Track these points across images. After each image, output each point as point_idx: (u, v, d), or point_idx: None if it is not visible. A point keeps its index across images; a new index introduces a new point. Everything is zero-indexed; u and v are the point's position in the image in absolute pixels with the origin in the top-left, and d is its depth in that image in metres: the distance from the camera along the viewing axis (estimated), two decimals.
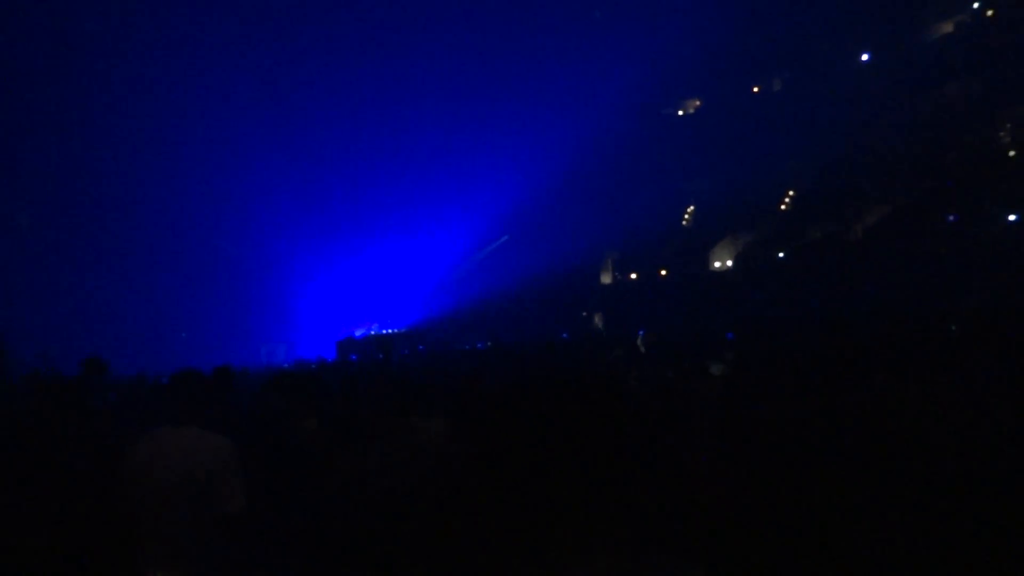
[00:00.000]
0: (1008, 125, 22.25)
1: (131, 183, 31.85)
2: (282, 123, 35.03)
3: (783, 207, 26.86)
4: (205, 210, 32.37)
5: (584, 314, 25.97)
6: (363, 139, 35.34)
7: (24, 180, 29.48)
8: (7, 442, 3.63)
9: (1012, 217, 19.68)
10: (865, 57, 29.82)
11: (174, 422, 3.00)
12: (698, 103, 34.93)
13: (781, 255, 23.74)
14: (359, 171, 35.37)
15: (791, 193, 26.88)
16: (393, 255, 35.67)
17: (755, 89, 32.15)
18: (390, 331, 27.08)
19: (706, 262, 26.90)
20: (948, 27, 28.56)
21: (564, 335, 21.00)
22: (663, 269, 27.18)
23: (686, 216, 30.35)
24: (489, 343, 18.84)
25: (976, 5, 27.75)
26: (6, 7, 28.70)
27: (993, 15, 26.50)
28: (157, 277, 31.19)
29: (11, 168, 28.83)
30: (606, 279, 29.20)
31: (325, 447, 3.56)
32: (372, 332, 28.90)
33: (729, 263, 26.55)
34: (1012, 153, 21.12)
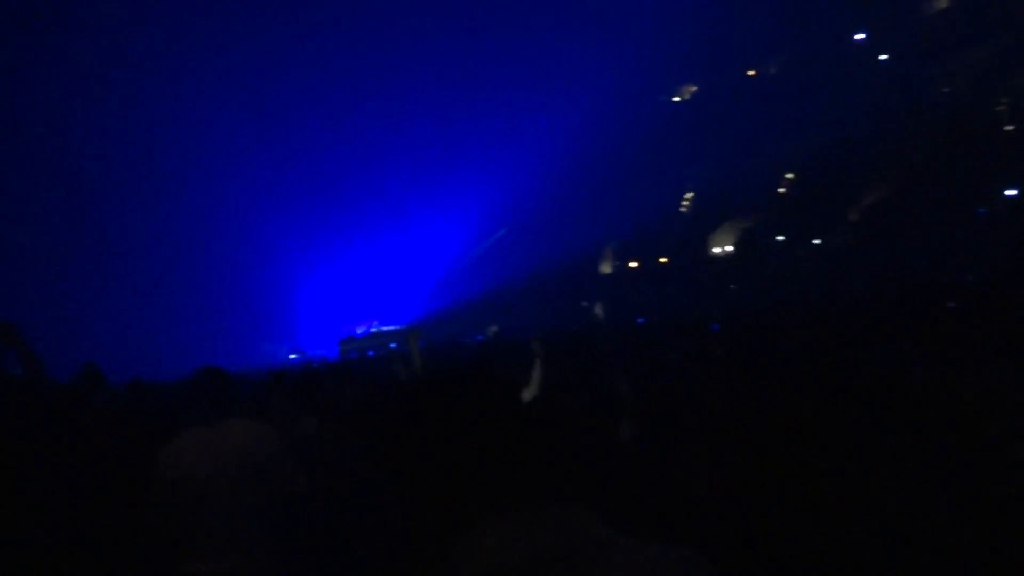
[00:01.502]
0: (1005, 101, 22.17)
1: (126, 179, 31.75)
2: (280, 119, 34.92)
3: (781, 191, 26.81)
4: (201, 208, 32.30)
5: (584, 304, 25.96)
6: (361, 133, 35.21)
7: (12, 178, 29.35)
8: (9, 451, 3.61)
9: (1011, 192, 19.64)
10: (861, 37, 29.65)
11: (199, 420, 3.05)
12: (694, 89, 34.80)
13: (781, 238, 23.72)
14: (357, 167, 35.27)
15: (789, 176, 26.81)
16: (391, 252, 35.61)
17: (750, 73, 32.02)
18: (391, 328, 27.05)
19: (705, 248, 26.87)
20: (943, 3, 28.38)
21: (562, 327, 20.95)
22: (663, 257, 27.16)
23: (684, 202, 30.28)
24: (488, 337, 18.83)
25: None
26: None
27: None
28: (153, 277, 31.12)
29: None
30: (606, 269, 29.17)
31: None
32: (373, 329, 28.87)
33: (729, 248, 26.51)
34: (1010, 128, 21.05)
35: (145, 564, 3.03)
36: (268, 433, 2.94)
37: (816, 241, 23.79)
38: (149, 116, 32.11)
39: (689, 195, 30.73)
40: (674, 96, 35.27)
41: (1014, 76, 22.29)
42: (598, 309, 24.91)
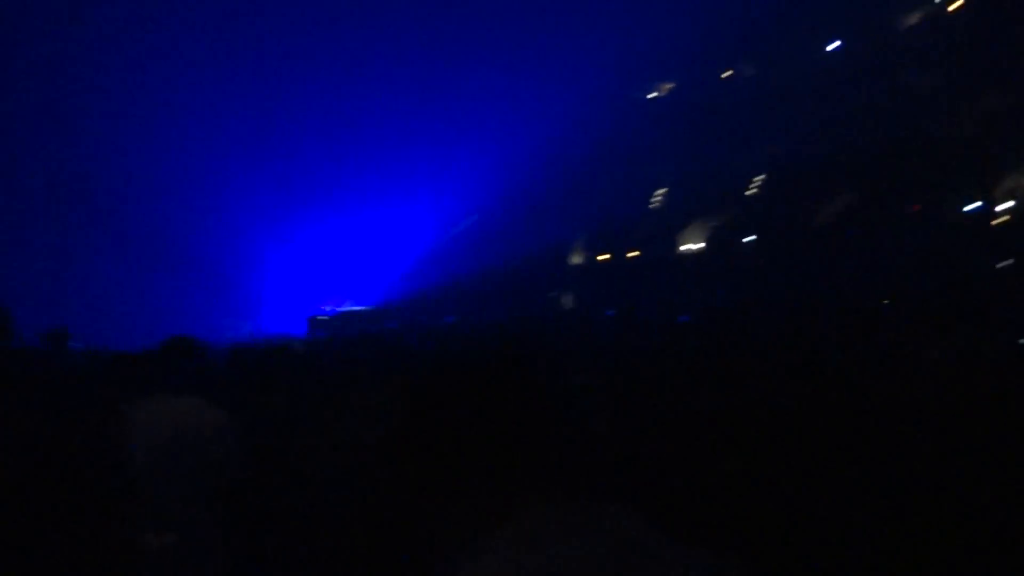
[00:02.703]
0: (974, 115, 22.70)
1: (99, 151, 31.12)
2: (255, 91, 34.38)
3: (752, 191, 27.18)
4: (171, 179, 31.77)
5: (553, 294, 26.12)
6: (338, 110, 34.82)
7: None
8: None
9: (973, 206, 20.16)
10: (836, 44, 30.10)
11: (158, 391, 3.03)
12: (670, 86, 34.99)
13: (750, 239, 24.07)
14: (331, 145, 34.90)
15: (760, 177, 27.18)
16: (362, 232, 35.36)
17: (726, 74, 32.31)
18: (362, 308, 26.92)
19: (675, 244, 27.16)
20: (915, 19, 28.91)
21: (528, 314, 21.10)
22: (632, 251, 27.39)
23: (656, 198, 30.54)
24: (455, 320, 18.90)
25: None
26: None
27: (958, 7, 26.88)
28: (112, 250, 30.56)
29: None
30: (576, 260, 29.34)
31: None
32: (344, 309, 28.71)
33: (698, 246, 26.84)
34: (978, 142, 21.56)
35: (92, 532, 3.03)
36: (203, 411, 2.91)
37: (785, 242, 24.20)
38: (119, 90, 31.38)
39: (661, 191, 30.99)
40: (650, 93, 35.42)
41: (986, 90, 22.82)
42: (567, 299, 25.09)
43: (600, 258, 28.30)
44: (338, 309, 29.02)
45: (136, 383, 3.05)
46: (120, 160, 31.59)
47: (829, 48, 29.85)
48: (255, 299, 34.54)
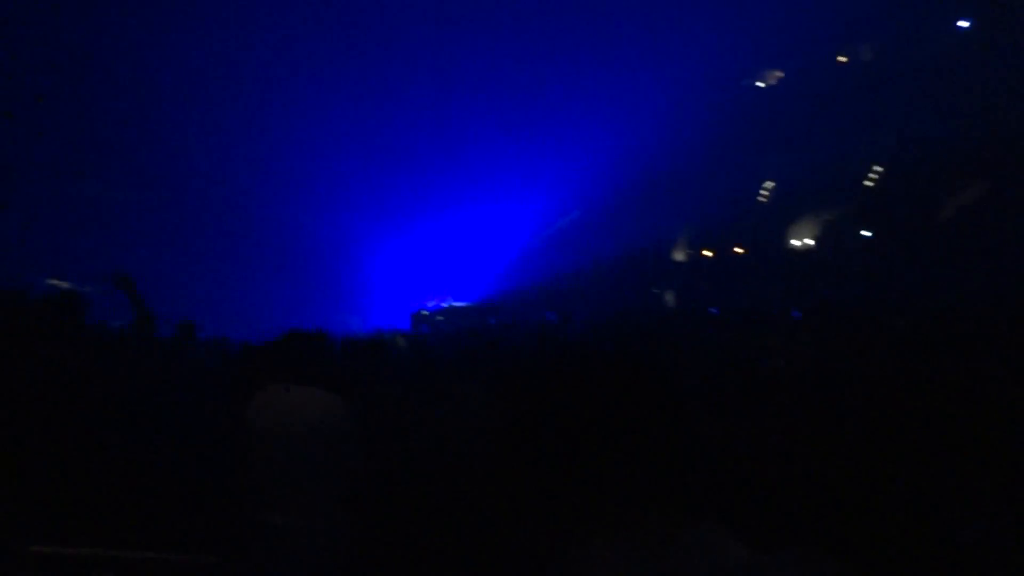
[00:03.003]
0: None
1: (217, 150, 32.96)
2: (364, 96, 35.49)
3: (869, 183, 25.80)
4: (279, 178, 33.25)
5: (656, 291, 25.72)
6: (441, 111, 35.49)
7: (108, 156, 30.91)
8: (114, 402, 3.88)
9: None
10: (965, 24, 28.11)
11: (283, 381, 3.17)
12: (779, 74, 33.68)
13: (867, 234, 22.88)
14: (434, 144, 35.60)
15: (878, 169, 25.77)
16: (465, 229, 35.93)
17: (842, 59, 30.78)
18: (464, 304, 27.37)
19: (784, 240, 26.17)
20: None
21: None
22: (739, 247, 26.59)
23: (764, 191, 29.51)
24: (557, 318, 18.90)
25: None
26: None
27: None
28: (232, 244, 32.30)
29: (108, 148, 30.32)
30: (680, 256, 28.75)
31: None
32: (446, 305, 29.27)
33: (809, 241, 25.76)
34: None
35: (224, 511, 3.23)
36: (342, 402, 3.04)
37: (900, 240, 22.88)
38: (224, 86, 33.09)
39: (769, 185, 29.93)
40: (758, 81, 34.22)
41: None
42: (670, 296, 24.64)
43: (705, 253, 27.62)
44: (441, 305, 29.61)
45: (263, 372, 3.24)
46: (247, 171, 33.42)
47: (958, 26, 27.87)
48: (362, 295, 35.78)
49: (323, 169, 34.29)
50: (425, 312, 26.79)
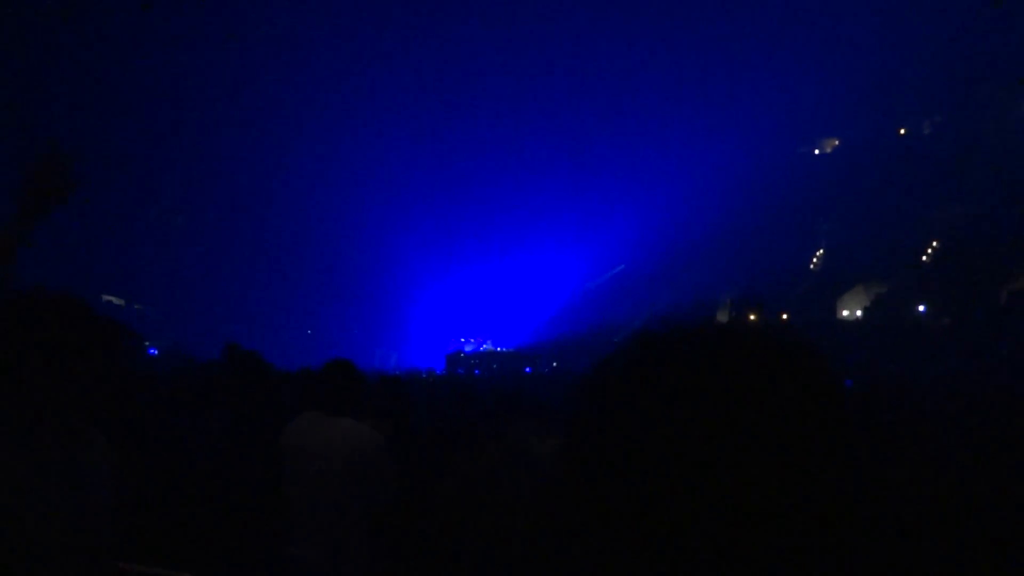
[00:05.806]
0: None
1: (269, 192, 33.78)
2: (424, 143, 36.19)
3: (924, 258, 25.13)
4: (333, 216, 33.84)
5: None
6: (493, 162, 36.01)
7: (166, 186, 31.84)
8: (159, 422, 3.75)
9: None
10: None
11: (324, 409, 3.05)
12: (836, 142, 33.43)
13: (921, 308, 22.15)
14: (487, 193, 36.04)
15: (935, 244, 25.12)
16: (507, 276, 36.00)
17: (901, 131, 30.42)
18: (500, 350, 27.19)
19: (834, 309, 25.51)
20: None
21: None
22: (785, 313, 25.99)
23: (815, 259, 28.97)
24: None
25: None
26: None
27: None
28: (282, 278, 32.82)
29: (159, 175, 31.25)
30: (723, 318, 28.23)
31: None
32: (483, 348, 29.12)
33: (859, 312, 25.07)
34: None
35: (253, 536, 3.07)
36: (381, 434, 2.92)
37: (955, 314, 22.09)
38: (284, 126, 34.04)
39: (820, 252, 29.43)
40: (815, 148, 33.99)
41: None
42: None
43: (751, 318, 27.04)
44: (479, 348, 29.46)
45: (304, 398, 3.09)
46: (296, 210, 34.12)
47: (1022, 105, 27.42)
48: (401, 333, 35.81)
49: (376, 210, 34.78)
50: (462, 354, 26.62)
